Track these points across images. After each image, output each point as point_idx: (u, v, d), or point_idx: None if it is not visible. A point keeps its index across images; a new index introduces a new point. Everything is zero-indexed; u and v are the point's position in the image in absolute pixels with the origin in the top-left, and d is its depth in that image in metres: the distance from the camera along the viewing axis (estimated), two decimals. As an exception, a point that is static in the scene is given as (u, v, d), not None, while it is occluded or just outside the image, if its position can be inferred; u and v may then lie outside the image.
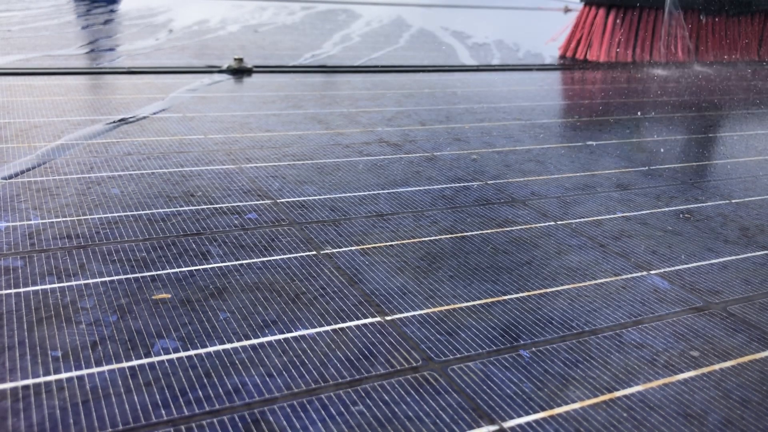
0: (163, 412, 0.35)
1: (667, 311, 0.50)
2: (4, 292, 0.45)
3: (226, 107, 1.03)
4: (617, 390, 0.40)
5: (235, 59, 1.36)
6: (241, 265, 0.52)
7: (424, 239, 0.59)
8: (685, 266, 0.58)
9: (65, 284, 0.47)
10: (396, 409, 0.37)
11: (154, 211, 0.61)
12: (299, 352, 0.41)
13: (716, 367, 0.43)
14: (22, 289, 0.46)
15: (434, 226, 0.63)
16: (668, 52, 2.06)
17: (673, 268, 0.57)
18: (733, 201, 0.76)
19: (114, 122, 0.90)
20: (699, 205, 0.74)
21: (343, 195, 0.69)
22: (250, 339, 0.42)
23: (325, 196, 0.68)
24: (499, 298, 0.50)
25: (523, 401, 0.38)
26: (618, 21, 1.98)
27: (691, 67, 2.01)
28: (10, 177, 0.66)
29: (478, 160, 0.83)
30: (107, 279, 0.48)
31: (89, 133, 0.84)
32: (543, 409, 0.38)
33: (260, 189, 0.68)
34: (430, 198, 0.70)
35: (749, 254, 0.61)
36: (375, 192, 0.70)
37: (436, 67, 1.57)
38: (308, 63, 1.50)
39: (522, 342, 0.44)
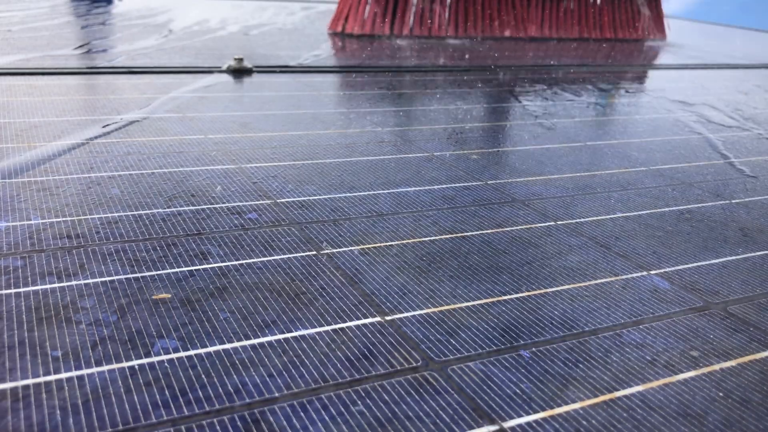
0: (163, 412, 0.35)
1: (667, 311, 0.50)
2: (4, 292, 0.45)
3: (226, 107, 1.03)
4: (617, 390, 0.40)
5: (235, 59, 1.36)
6: (241, 265, 0.52)
7: (424, 239, 0.59)
8: (685, 266, 0.58)
9: (65, 284, 0.47)
10: (396, 409, 0.37)
11: (154, 211, 0.61)
12: (299, 352, 0.41)
13: (716, 367, 0.43)
14: (22, 289, 0.46)
15: (434, 226, 0.63)
16: (422, 26, 2.23)
17: (673, 268, 0.57)
18: (734, 201, 0.76)
19: (114, 122, 0.90)
20: (699, 205, 0.74)
21: (343, 195, 0.69)
22: (250, 339, 0.42)
23: (325, 196, 0.68)
24: (499, 298, 0.50)
25: (523, 401, 0.38)
26: None
27: (443, 40, 2.14)
28: (10, 176, 0.66)
29: (478, 160, 0.83)
30: (107, 279, 0.48)
31: (89, 132, 0.84)
32: (543, 409, 0.38)
33: (260, 189, 0.68)
34: (430, 198, 0.70)
35: (749, 254, 0.61)
36: (375, 192, 0.70)
37: (436, 67, 1.57)
38: (308, 63, 1.50)
39: (522, 342, 0.44)
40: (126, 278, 0.49)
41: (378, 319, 0.46)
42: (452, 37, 2.25)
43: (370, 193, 0.70)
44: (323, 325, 0.45)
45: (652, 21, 2.72)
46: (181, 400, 0.36)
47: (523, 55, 1.78)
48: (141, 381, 0.38)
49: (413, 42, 1.98)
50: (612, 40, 2.58)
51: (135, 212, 0.60)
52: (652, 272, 0.56)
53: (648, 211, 0.70)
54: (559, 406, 0.38)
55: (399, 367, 0.41)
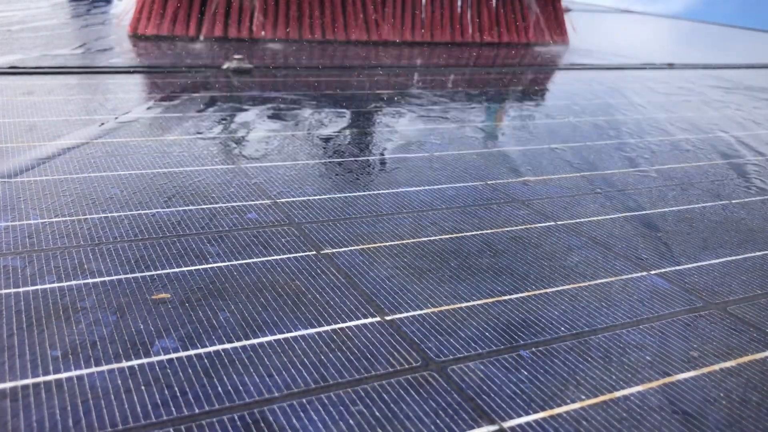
0: (163, 411, 0.35)
1: (667, 311, 0.50)
2: (3, 291, 0.45)
3: (226, 107, 1.03)
4: (617, 390, 0.40)
5: (236, 59, 1.36)
6: (241, 265, 0.52)
7: (424, 239, 0.59)
8: (685, 266, 0.58)
9: (65, 284, 0.47)
10: (396, 409, 0.37)
11: (154, 210, 0.61)
12: (299, 352, 0.41)
13: (716, 367, 0.43)
14: (21, 289, 0.46)
15: (434, 226, 0.63)
16: (229, 27, 1.84)
17: (673, 268, 0.57)
18: (733, 201, 0.76)
19: (114, 121, 0.90)
20: (700, 205, 0.74)
21: (343, 195, 0.69)
22: (250, 339, 0.42)
23: (325, 196, 0.68)
24: (499, 298, 0.50)
25: (523, 401, 0.38)
26: None
27: (256, 43, 1.77)
28: (10, 176, 0.66)
29: (479, 160, 0.83)
30: (107, 279, 0.48)
31: (89, 132, 0.84)
32: (543, 409, 0.38)
33: (260, 189, 0.68)
34: (430, 198, 0.70)
35: (749, 254, 0.61)
36: (375, 192, 0.70)
37: (435, 66, 1.57)
38: (309, 62, 1.50)
39: (522, 342, 0.44)
40: (126, 278, 0.49)
41: (378, 319, 0.46)
42: (274, 40, 1.86)
43: (370, 193, 0.70)
44: (323, 325, 0.45)
45: (546, 21, 2.25)
46: (180, 399, 0.36)
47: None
48: (141, 381, 0.38)
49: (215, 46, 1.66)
50: (493, 45, 2.11)
51: (135, 212, 0.60)
52: (652, 272, 0.56)
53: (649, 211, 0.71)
54: (559, 406, 0.38)
55: (399, 367, 0.41)
